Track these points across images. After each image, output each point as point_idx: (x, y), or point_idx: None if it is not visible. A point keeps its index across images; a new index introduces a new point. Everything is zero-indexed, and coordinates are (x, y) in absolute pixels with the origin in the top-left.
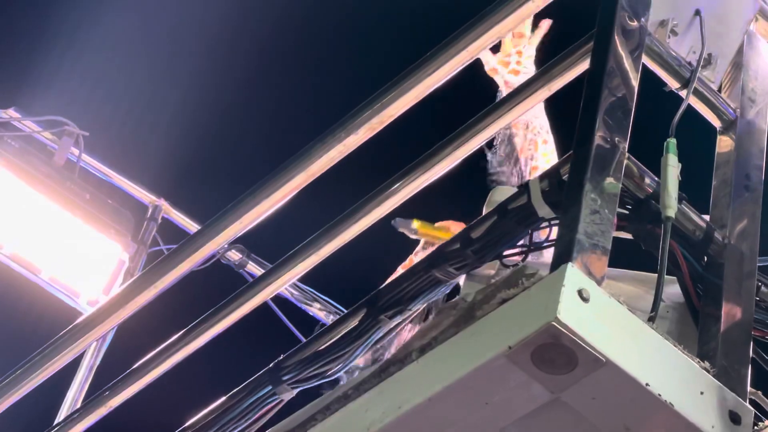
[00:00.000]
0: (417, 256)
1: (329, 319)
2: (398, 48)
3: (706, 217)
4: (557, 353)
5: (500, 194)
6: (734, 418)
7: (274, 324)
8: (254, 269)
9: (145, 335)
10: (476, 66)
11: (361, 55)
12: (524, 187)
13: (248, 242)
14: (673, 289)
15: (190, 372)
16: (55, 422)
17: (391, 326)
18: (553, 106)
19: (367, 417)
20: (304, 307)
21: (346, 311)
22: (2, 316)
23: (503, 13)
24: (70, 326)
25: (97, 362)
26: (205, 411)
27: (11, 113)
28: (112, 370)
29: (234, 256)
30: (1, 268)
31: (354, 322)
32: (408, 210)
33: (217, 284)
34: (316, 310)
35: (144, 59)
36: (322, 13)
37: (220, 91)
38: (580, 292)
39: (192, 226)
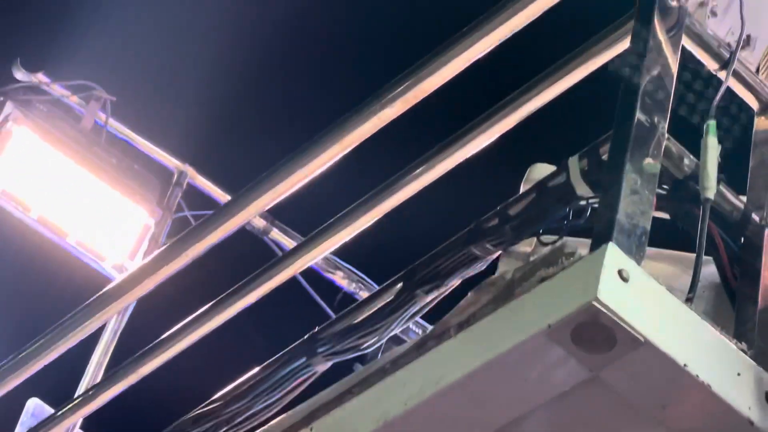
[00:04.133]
0: None
1: (351, 288)
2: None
3: (744, 198)
4: (596, 332)
5: (538, 171)
6: None
7: (300, 294)
8: (278, 237)
9: (164, 304)
10: (516, 41)
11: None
12: (563, 165)
13: (273, 211)
14: (709, 270)
15: (216, 342)
16: (87, 387)
17: (427, 301)
18: (592, 84)
19: (405, 391)
20: (326, 275)
21: (368, 279)
22: (29, 279)
23: None
24: (99, 293)
25: (120, 330)
26: (239, 381)
27: (39, 77)
28: (132, 340)
29: (258, 222)
30: (28, 231)
31: (390, 296)
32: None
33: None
34: (338, 278)
35: (172, 24)
36: None
37: (247, 57)
38: (620, 272)
39: (217, 192)
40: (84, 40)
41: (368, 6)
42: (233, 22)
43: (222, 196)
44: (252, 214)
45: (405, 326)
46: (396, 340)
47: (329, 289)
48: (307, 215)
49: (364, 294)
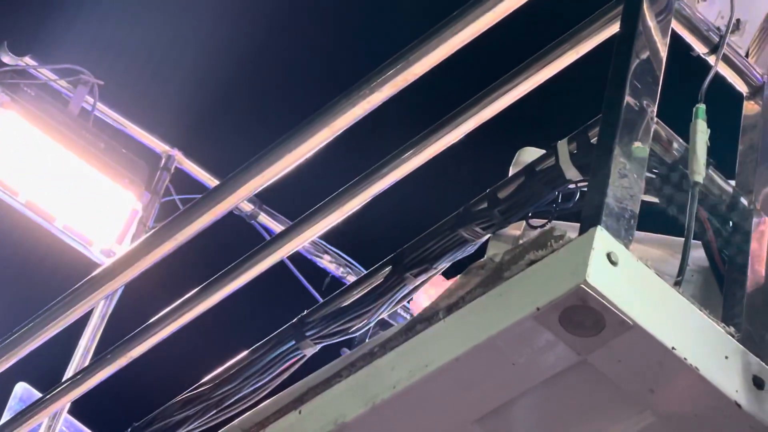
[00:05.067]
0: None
1: (339, 272)
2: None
3: (732, 182)
4: (585, 315)
5: (527, 155)
6: (758, 382)
7: (288, 278)
8: (266, 221)
9: (152, 288)
10: (502, 28)
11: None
12: (552, 149)
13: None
14: (698, 254)
15: (205, 326)
16: (74, 371)
17: (416, 284)
18: (581, 69)
19: (393, 375)
20: (314, 258)
21: (356, 264)
22: (17, 264)
23: None
24: (87, 278)
25: (108, 314)
26: (228, 364)
27: (27, 61)
28: (120, 324)
29: (246, 207)
30: (16, 215)
31: (379, 279)
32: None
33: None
34: (326, 262)
35: (160, 8)
36: None
37: (235, 41)
38: (609, 256)
39: (205, 176)
40: (72, 24)
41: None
42: (222, 7)
43: (210, 181)
44: (240, 198)
45: (394, 309)
46: (383, 325)
47: (317, 274)
48: (296, 199)
49: (352, 278)
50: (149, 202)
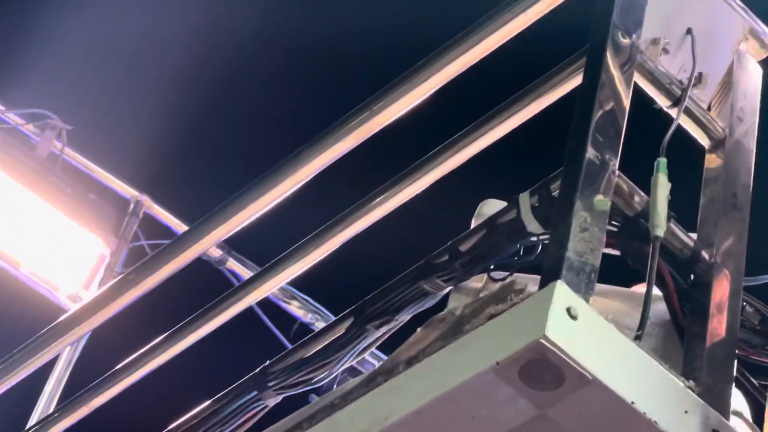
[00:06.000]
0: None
1: (308, 318)
2: (395, 54)
3: (694, 235)
4: (545, 370)
5: (489, 207)
6: None
7: (256, 323)
8: (234, 266)
9: (119, 332)
10: (466, 79)
11: (352, 58)
12: (514, 202)
13: (229, 240)
14: (659, 307)
15: (171, 372)
16: (35, 420)
17: (378, 336)
18: (543, 121)
19: (353, 427)
20: (282, 304)
21: (324, 310)
22: None
23: (494, 25)
24: (52, 324)
25: (74, 361)
26: (190, 414)
27: None
28: (86, 372)
29: (214, 252)
30: None
31: (341, 330)
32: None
33: (195, 280)
34: (294, 308)
35: (127, 53)
36: (312, 12)
37: (203, 87)
38: (568, 310)
39: (173, 222)
40: (40, 68)
41: (325, 40)
42: (190, 52)
43: (178, 226)
44: (208, 245)
45: (356, 360)
46: (352, 371)
47: (286, 319)
48: (263, 245)
49: (320, 324)
50: (117, 247)
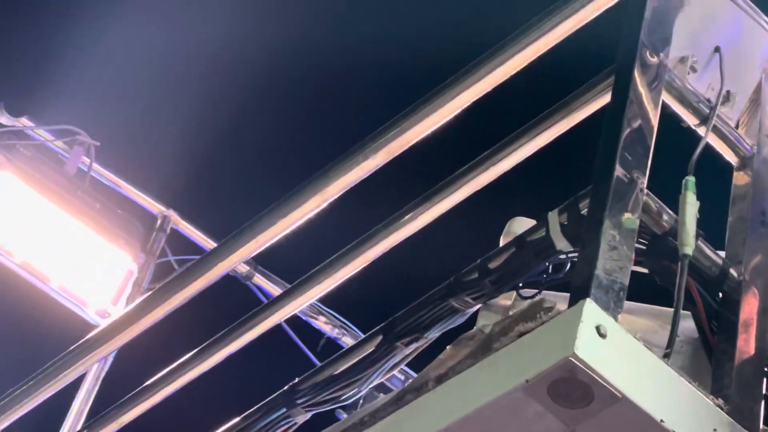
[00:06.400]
0: None
1: (334, 333)
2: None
3: (722, 253)
4: (573, 388)
5: (518, 225)
6: None
7: (283, 339)
8: (261, 282)
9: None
10: (494, 97)
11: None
12: (543, 220)
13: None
14: (687, 324)
15: (199, 388)
16: None
17: (407, 353)
18: (571, 139)
19: None
20: (309, 319)
21: (350, 325)
22: (12, 325)
23: (523, 44)
24: (81, 341)
25: (102, 377)
26: (219, 431)
27: (24, 122)
28: (114, 388)
29: (241, 268)
30: (11, 276)
31: (370, 348)
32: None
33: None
34: (321, 323)
35: (154, 69)
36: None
37: (230, 103)
38: (597, 328)
39: (200, 237)
40: (68, 85)
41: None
42: (217, 68)
43: (205, 242)
44: (235, 262)
45: (385, 378)
46: (379, 386)
47: (312, 334)
48: (290, 260)
49: (347, 339)
50: (145, 263)
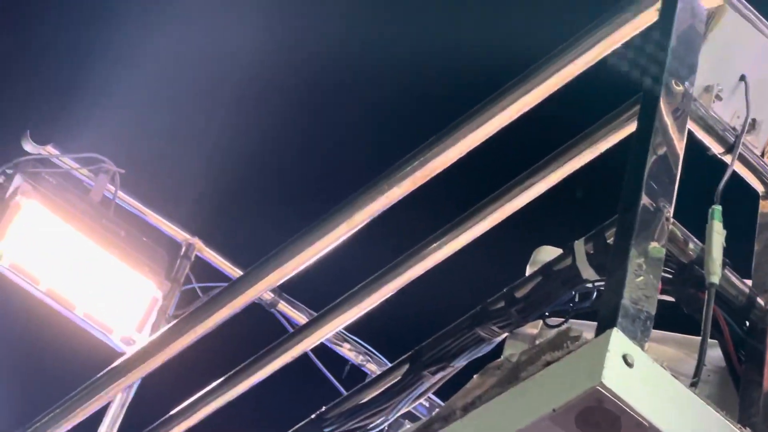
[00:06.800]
0: None
1: (359, 360)
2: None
3: (749, 282)
4: (601, 417)
5: (544, 254)
6: None
7: (308, 366)
8: (285, 309)
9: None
10: (522, 124)
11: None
12: (569, 249)
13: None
14: (714, 353)
15: (224, 416)
16: None
17: (433, 382)
18: (595, 167)
19: None
20: (333, 346)
21: (375, 352)
22: (37, 351)
23: (547, 72)
24: (107, 368)
25: (127, 404)
26: None
27: (49, 149)
28: (137, 417)
29: (266, 295)
30: (37, 303)
31: (397, 377)
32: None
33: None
34: (345, 350)
35: (179, 97)
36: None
37: (254, 130)
38: (624, 357)
39: (225, 265)
40: (93, 112)
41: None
42: (240, 96)
43: (230, 269)
44: (261, 290)
45: (412, 406)
46: (407, 416)
47: (336, 360)
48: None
49: (371, 366)
50: (169, 290)
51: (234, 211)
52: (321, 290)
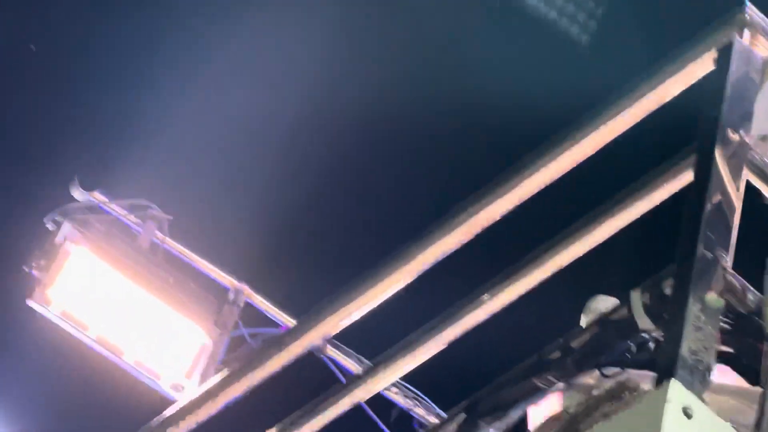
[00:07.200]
0: None
1: (406, 405)
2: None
3: None
4: None
5: (598, 303)
6: None
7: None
8: (333, 354)
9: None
10: (577, 173)
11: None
12: (625, 299)
13: None
14: None
15: None
16: None
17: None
18: (651, 217)
19: None
20: (381, 391)
21: (423, 396)
22: (87, 398)
23: (602, 121)
24: (158, 417)
25: None
26: None
27: (96, 196)
28: None
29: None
30: (86, 350)
31: (454, 427)
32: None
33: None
34: (393, 394)
35: (227, 141)
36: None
37: (302, 176)
38: (684, 409)
39: (273, 310)
40: (140, 158)
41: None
42: (289, 141)
43: (278, 314)
44: (314, 340)
45: None
46: None
47: (382, 403)
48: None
49: (419, 410)
50: (218, 336)
51: (281, 257)
52: (365, 336)
